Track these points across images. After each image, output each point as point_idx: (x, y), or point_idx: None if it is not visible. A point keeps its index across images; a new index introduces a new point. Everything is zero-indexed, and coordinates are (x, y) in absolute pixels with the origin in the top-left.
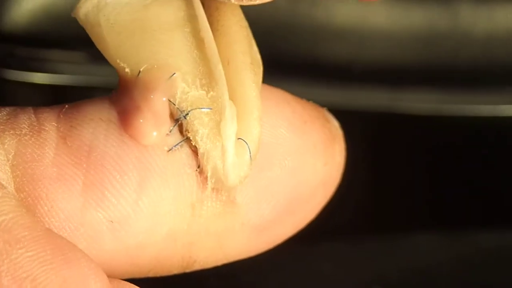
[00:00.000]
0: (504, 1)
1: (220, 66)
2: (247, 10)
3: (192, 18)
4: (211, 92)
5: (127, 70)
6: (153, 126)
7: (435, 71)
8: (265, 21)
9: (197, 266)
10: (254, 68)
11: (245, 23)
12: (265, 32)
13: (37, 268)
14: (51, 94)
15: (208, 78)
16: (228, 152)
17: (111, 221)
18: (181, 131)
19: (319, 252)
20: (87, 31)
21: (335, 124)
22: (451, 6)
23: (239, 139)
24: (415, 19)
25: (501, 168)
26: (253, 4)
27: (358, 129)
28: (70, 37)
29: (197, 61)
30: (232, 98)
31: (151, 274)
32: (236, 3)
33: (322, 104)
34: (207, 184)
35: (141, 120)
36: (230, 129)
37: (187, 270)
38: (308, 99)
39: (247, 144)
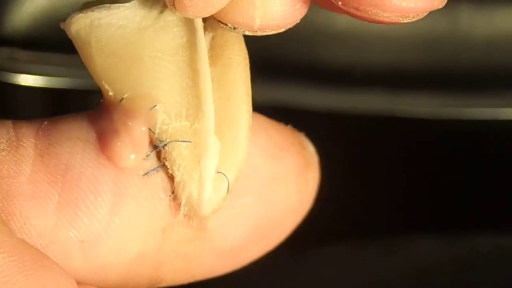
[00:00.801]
0: (504, 5)
1: (210, 102)
2: None
3: (191, 46)
4: (196, 125)
5: (110, 93)
6: (131, 150)
7: (435, 75)
8: None
9: (163, 284)
10: (251, 109)
11: (248, 59)
12: (265, 36)
13: (18, 273)
14: (51, 98)
15: (195, 109)
16: (206, 186)
17: (82, 241)
18: (158, 156)
19: (319, 255)
20: (75, 45)
21: (310, 150)
22: (451, 10)
23: (219, 173)
24: (415, 23)
25: (501, 170)
26: (265, 35)
27: (358, 133)
28: (70, 41)
29: (187, 91)
30: (221, 132)
31: None
32: (249, 34)
33: (322, 108)
34: (180, 210)
35: (119, 144)
36: (210, 164)
37: (154, 287)
38: (308, 103)
39: (227, 179)
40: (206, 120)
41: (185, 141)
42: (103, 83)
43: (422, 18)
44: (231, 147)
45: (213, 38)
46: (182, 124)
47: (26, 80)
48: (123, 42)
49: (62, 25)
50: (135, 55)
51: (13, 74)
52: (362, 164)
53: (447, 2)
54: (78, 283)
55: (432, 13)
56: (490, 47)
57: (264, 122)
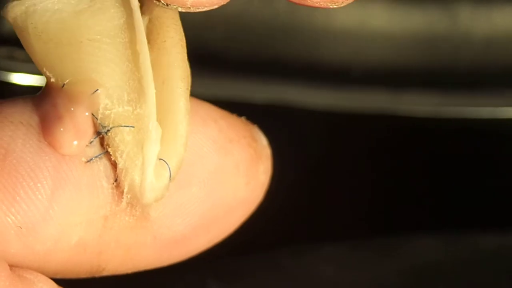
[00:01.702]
0: (503, 3)
1: (152, 86)
2: (245, 14)
3: (129, 27)
4: (138, 109)
5: (52, 80)
6: (73, 136)
7: (434, 73)
8: (265, 23)
9: (105, 273)
10: (188, 92)
11: (184, 41)
12: (265, 34)
13: None
14: None
15: (137, 94)
16: (148, 173)
17: (20, 227)
18: (102, 142)
19: (319, 255)
20: (16, 32)
21: (262, 142)
22: (451, 9)
23: (161, 160)
24: (415, 22)
25: (500, 169)
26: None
27: (358, 132)
28: None
29: (128, 74)
30: (160, 118)
31: (58, 276)
32: (183, 10)
33: (321, 107)
34: (122, 198)
35: (61, 129)
36: (152, 150)
37: (96, 275)
38: (308, 102)
39: (168, 166)
40: (148, 104)
41: (127, 126)
42: (44, 69)
43: (422, 17)
44: (170, 133)
45: (149, 21)
46: (125, 109)
47: (25, 79)
48: (60, 27)
49: (2, 13)
50: (73, 39)
51: (11, 73)
52: (361, 162)
53: (447, 0)
54: (16, 267)
55: (431, 12)
56: (489, 45)
57: (214, 112)
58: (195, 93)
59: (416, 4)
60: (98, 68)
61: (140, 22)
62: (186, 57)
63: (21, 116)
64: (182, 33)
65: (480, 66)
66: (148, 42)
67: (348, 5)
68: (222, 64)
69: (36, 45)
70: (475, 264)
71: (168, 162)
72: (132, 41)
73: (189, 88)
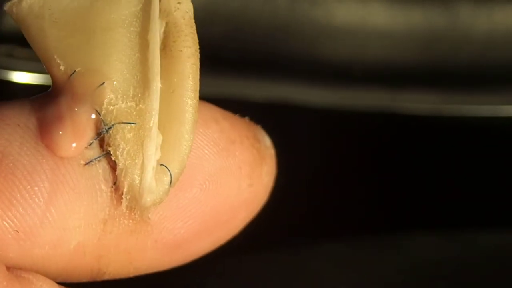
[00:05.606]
0: (504, 1)
1: (158, 80)
2: (245, 11)
3: (144, 16)
4: (141, 105)
5: (62, 67)
6: (72, 138)
7: (435, 71)
8: (265, 21)
9: (106, 277)
10: (197, 104)
11: (198, 52)
12: (265, 32)
13: None
14: None
15: (142, 88)
16: (147, 171)
17: (17, 231)
18: (101, 144)
19: (319, 252)
20: (22, 24)
21: (266, 143)
22: (451, 7)
23: (162, 165)
24: (415, 19)
25: (500, 168)
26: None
27: (358, 130)
28: None
29: (137, 66)
30: (166, 127)
31: (59, 280)
32: None
33: (321, 105)
34: (122, 201)
35: (60, 132)
36: (152, 148)
37: (97, 279)
38: (308, 100)
39: (169, 172)
40: (151, 98)
41: (130, 123)
42: (55, 57)
43: (422, 15)
44: (174, 142)
45: (166, 25)
46: (128, 105)
47: (24, 77)
48: (75, 14)
49: (7, 6)
50: (87, 28)
51: (11, 72)
52: (361, 160)
53: None
54: (14, 268)
55: (432, 10)
56: (489, 43)
57: (216, 113)
58: None
59: (416, 2)
60: (107, 60)
61: (156, 8)
62: (198, 69)
63: (18, 118)
64: (198, 44)
65: (480, 64)
66: (164, 48)
67: (349, 3)
68: (221, 61)
69: (50, 32)
70: (475, 263)
71: (169, 168)
72: (144, 30)
73: (198, 100)
